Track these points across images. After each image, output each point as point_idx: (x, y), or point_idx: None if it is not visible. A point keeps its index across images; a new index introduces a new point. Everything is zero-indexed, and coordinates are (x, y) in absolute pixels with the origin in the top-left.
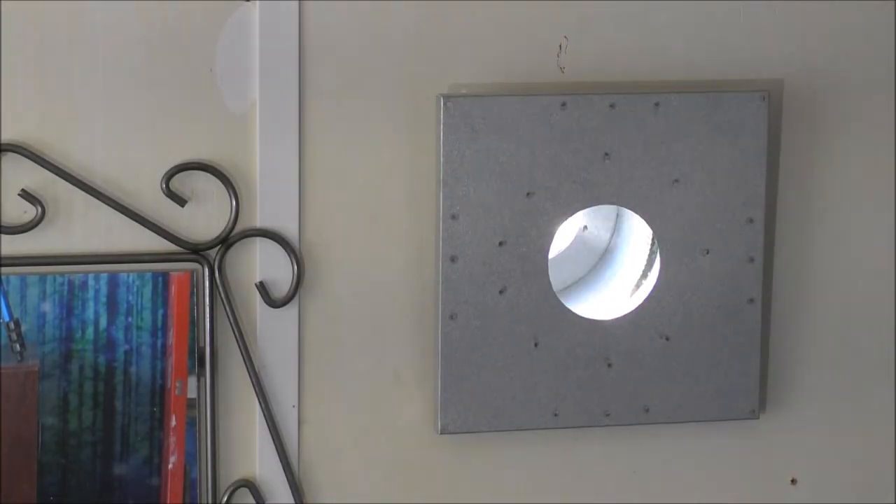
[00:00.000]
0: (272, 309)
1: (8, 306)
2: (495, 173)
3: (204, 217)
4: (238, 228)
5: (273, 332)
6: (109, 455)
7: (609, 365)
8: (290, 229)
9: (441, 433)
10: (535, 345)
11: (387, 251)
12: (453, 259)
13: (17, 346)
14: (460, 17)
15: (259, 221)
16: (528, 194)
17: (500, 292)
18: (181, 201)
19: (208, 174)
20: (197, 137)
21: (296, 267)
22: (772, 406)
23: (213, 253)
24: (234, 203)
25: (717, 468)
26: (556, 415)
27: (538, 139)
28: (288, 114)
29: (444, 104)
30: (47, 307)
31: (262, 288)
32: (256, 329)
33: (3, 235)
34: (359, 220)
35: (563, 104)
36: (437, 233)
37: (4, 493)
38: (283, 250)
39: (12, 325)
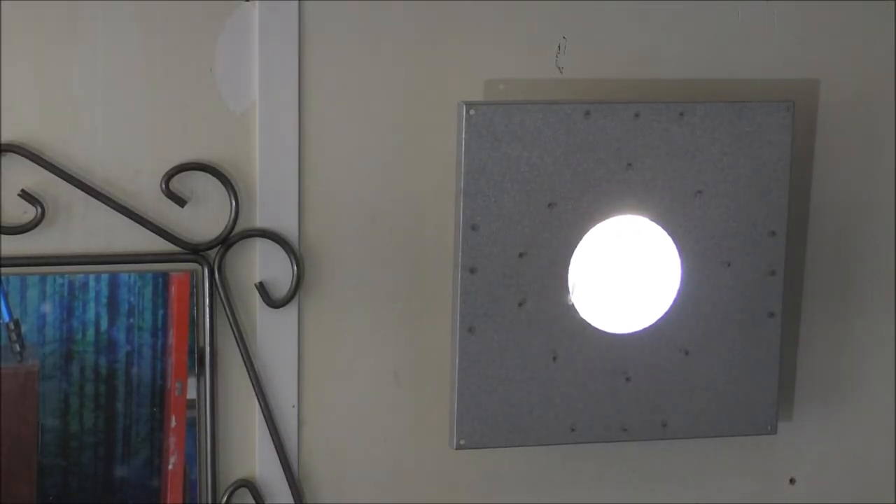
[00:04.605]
0: (272, 309)
1: (8, 307)
2: (517, 183)
3: (204, 217)
4: (238, 229)
5: (273, 332)
6: (109, 456)
7: (627, 379)
8: (289, 229)
9: (457, 449)
10: (554, 359)
11: (387, 251)
12: (472, 270)
13: (17, 347)
14: (460, 18)
15: (259, 221)
16: (549, 205)
17: (520, 305)
18: (181, 202)
19: (208, 174)
20: (197, 137)
21: (295, 267)
22: None
23: (212, 253)
24: (233, 203)
25: (722, 473)
26: (573, 430)
27: (561, 148)
28: (288, 114)
29: (467, 112)
30: (48, 308)
31: (261, 288)
32: (256, 329)
33: (3, 235)
34: (359, 220)
35: (587, 113)
36: (457, 243)
37: (4, 494)
38: (282, 250)
39: (12, 326)
